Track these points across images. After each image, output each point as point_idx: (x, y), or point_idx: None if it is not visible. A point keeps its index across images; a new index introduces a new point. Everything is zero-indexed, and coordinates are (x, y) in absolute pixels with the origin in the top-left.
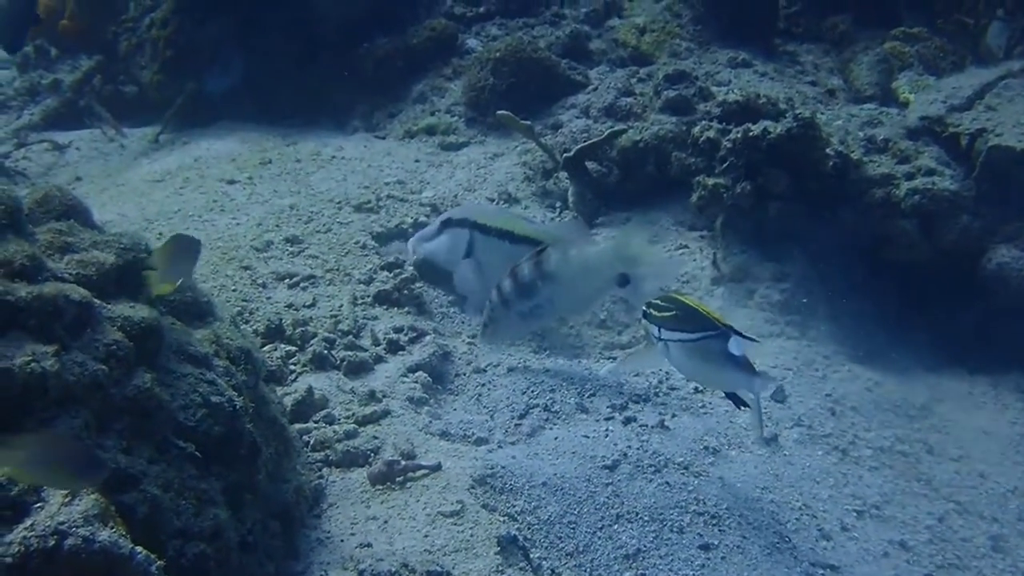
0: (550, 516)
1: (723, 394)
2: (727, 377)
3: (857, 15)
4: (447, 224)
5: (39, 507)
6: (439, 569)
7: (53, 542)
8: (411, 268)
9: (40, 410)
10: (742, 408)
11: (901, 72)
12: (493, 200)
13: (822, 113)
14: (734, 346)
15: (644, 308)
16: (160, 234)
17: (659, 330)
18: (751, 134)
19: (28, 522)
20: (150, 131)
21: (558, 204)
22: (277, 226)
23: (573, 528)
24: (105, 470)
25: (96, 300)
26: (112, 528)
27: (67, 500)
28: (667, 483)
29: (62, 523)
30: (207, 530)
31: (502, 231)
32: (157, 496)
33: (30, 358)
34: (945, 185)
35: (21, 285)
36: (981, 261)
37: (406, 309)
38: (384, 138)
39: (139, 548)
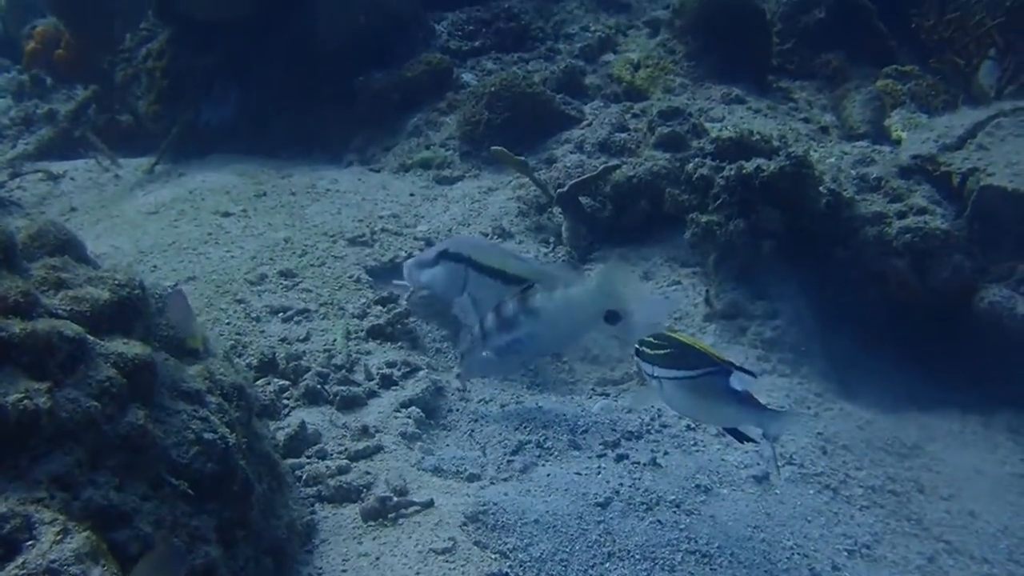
0: (542, 553)
1: (722, 430)
2: (730, 414)
3: (850, 52)
4: (443, 256)
5: (31, 545)
6: None
7: None
8: (404, 303)
9: (33, 447)
10: (744, 443)
11: (894, 110)
12: (487, 235)
13: (815, 150)
14: (736, 382)
15: (636, 346)
16: (155, 266)
17: (653, 368)
18: (745, 172)
19: (20, 560)
20: (145, 161)
21: (552, 239)
22: (271, 259)
23: (565, 566)
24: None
25: (90, 336)
26: (104, 566)
27: (59, 538)
28: (659, 521)
29: (54, 561)
30: (199, 568)
31: (495, 270)
32: (149, 534)
33: (23, 395)
34: (937, 224)
35: (15, 321)
36: (973, 300)
37: (399, 344)
38: (379, 171)
39: None
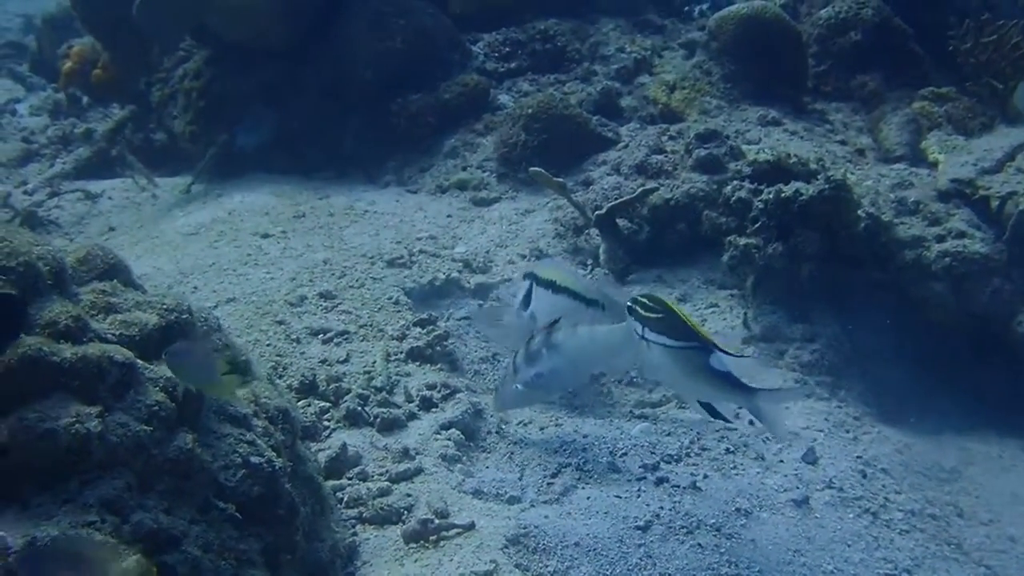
0: None
1: (698, 404)
2: (706, 389)
3: (886, 75)
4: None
5: None
6: None
7: None
8: (443, 325)
9: (84, 471)
10: (716, 419)
11: (930, 132)
12: (524, 256)
13: (852, 173)
14: (716, 361)
15: (630, 304)
16: (195, 287)
17: (643, 329)
18: (783, 195)
19: None
20: (181, 181)
21: (589, 261)
22: (311, 281)
23: None
24: None
25: (139, 361)
26: None
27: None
28: (699, 545)
29: None
30: None
31: (549, 281)
32: (198, 557)
33: (74, 419)
34: (976, 248)
35: (66, 346)
36: (1012, 324)
37: (439, 366)
38: (416, 192)
39: None
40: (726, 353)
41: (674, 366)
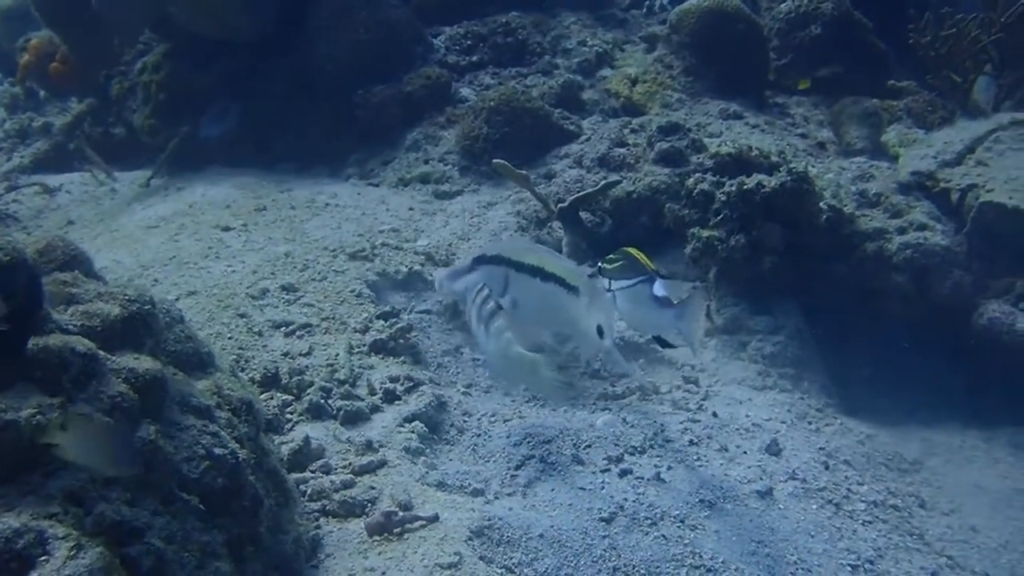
0: (547, 569)
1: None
2: (652, 318)
3: (846, 68)
4: (480, 261)
5: (44, 560)
6: None
7: None
8: (406, 318)
9: (46, 463)
10: (665, 348)
11: (890, 125)
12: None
13: (813, 166)
14: (658, 288)
15: (600, 263)
16: (156, 280)
17: (609, 283)
18: (746, 187)
19: (34, 575)
20: (141, 175)
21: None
22: (273, 273)
23: None
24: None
25: (101, 352)
26: None
27: (73, 553)
28: (663, 536)
29: None
30: None
31: (534, 268)
32: (161, 549)
33: (36, 410)
34: (937, 240)
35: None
36: (973, 316)
37: (402, 359)
38: (378, 185)
39: None
40: (666, 279)
41: (629, 303)
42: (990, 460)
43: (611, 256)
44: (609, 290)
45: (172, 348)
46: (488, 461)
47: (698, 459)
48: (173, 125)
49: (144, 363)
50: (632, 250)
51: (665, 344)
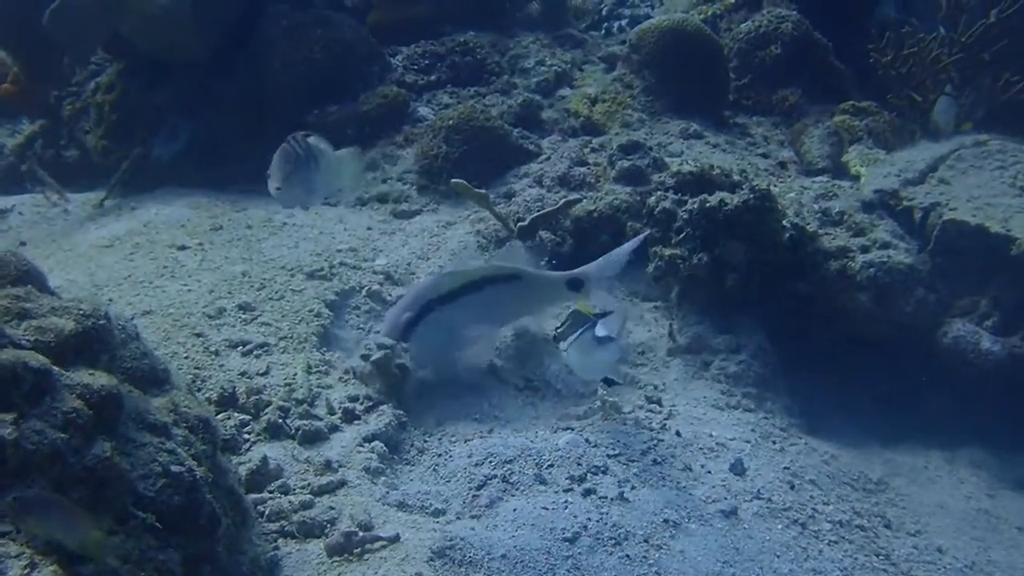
0: None
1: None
2: (601, 356)
3: (806, 88)
4: (414, 323)
5: None
6: None
7: None
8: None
9: None
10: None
11: (851, 145)
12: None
13: (775, 185)
14: (601, 329)
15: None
16: (110, 300)
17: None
18: (708, 205)
19: None
20: (94, 196)
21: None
22: (229, 293)
23: None
24: None
25: (55, 367)
26: None
27: (26, 572)
28: (628, 556)
29: None
30: None
31: (465, 286)
32: (116, 569)
33: None
34: (900, 258)
35: None
36: (936, 335)
37: None
38: (335, 205)
39: None
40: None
41: (579, 354)
42: (954, 480)
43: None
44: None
45: (128, 364)
46: (449, 481)
47: (662, 479)
48: (126, 145)
49: (99, 379)
50: (580, 305)
51: (611, 383)
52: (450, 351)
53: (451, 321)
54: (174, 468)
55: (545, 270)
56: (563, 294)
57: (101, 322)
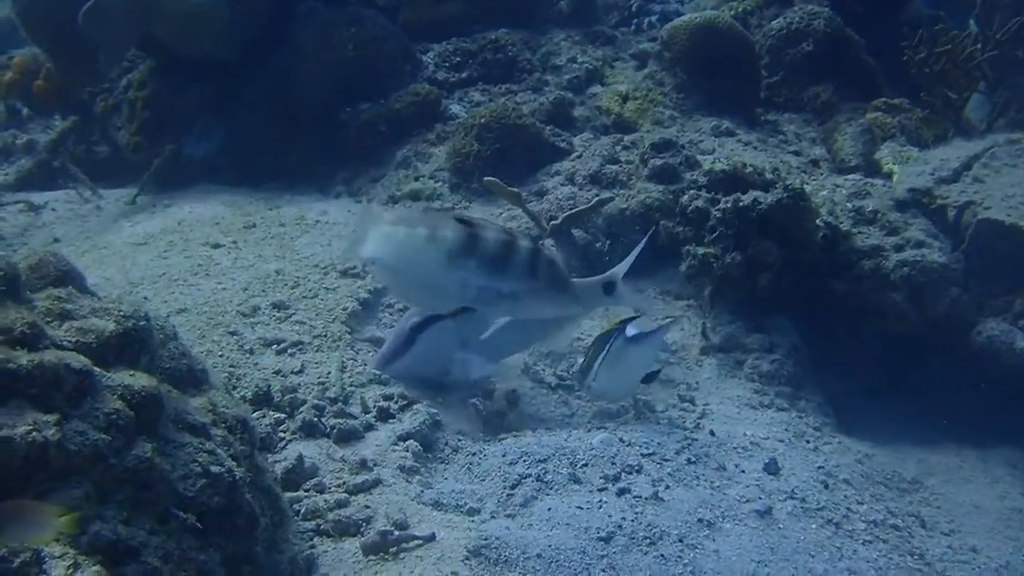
0: None
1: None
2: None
3: (838, 86)
4: (418, 330)
5: None
6: None
7: None
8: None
9: (40, 481)
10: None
11: (884, 143)
12: None
13: (807, 184)
14: (630, 330)
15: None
16: (145, 298)
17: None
18: (741, 204)
19: None
20: (126, 193)
21: None
22: (263, 291)
23: None
24: None
25: (96, 368)
26: None
27: (70, 573)
28: (663, 556)
29: None
30: None
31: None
32: (157, 568)
33: (31, 427)
34: (934, 257)
35: (22, 353)
36: (970, 334)
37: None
38: (368, 203)
39: None
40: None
41: (617, 366)
42: (988, 480)
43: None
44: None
45: (167, 365)
46: (484, 480)
47: (696, 478)
48: (159, 142)
49: (140, 380)
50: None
51: (651, 378)
52: (453, 360)
53: (465, 329)
54: (214, 468)
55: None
56: (600, 298)
57: (141, 323)
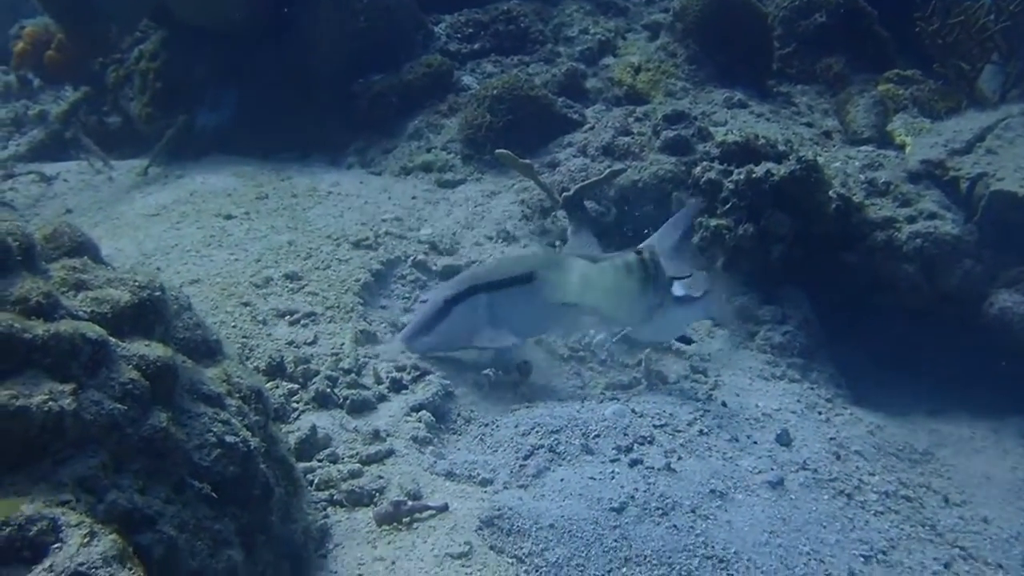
0: (558, 559)
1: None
2: (681, 318)
3: (850, 57)
4: (455, 301)
5: (57, 548)
6: None
7: None
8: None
9: (57, 450)
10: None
11: (896, 114)
12: (491, 238)
13: (820, 155)
14: (676, 289)
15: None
16: (158, 269)
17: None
18: (754, 176)
19: (47, 563)
20: (137, 164)
21: (557, 243)
22: (276, 262)
23: (581, 571)
24: None
25: (112, 339)
26: (131, 570)
27: (86, 541)
28: (675, 526)
29: (82, 564)
30: (222, 571)
31: (521, 276)
32: (173, 537)
33: (47, 397)
34: (947, 229)
35: (38, 323)
36: (983, 306)
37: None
38: (380, 174)
39: None
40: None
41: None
42: (999, 451)
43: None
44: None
45: (181, 335)
46: (496, 451)
47: (708, 449)
48: (170, 113)
49: (155, 350)
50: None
51: (689, 341)
52: (480, 337)
53: (497, 308)
54: (228, 438)
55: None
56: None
57: (156, 294)
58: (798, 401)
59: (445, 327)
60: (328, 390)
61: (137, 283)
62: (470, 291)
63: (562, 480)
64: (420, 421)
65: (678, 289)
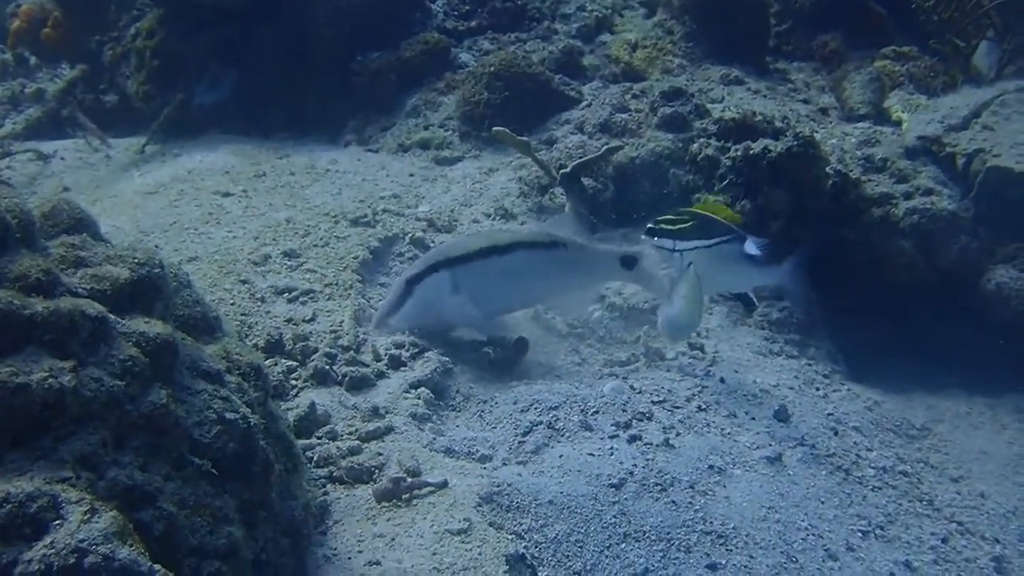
0: (557, 534)
1: (732, 296)
2: (748, 276)
3: (847, 34)
4: (415, 280)
5: (58, 524)
6: None
7: (73, 560)
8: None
9: (58, 427)
10: (749, 307)
11: (892, 91)
12: (489, 215)
13: (817, 132)
14: (751, 247)
15: (651, 225)
16: (156, 246)
17: (674, 242)
18: (752, 152)
19: (48, 539)
20: (135, 142)
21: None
22: (274, 240)
23: (580, 547)
24: None
25: (111, 316)
26: (131, 546)
27: (86, 517)
28: (673, 502)
29: (82, 541)
30: (222, 548)
31: (485, 249)
32: (173, 513)
33: (47, 373)
34: (943, 205)
35: (37, 300)
36: (980, 282)
37: None
38: (377, 151)
39: (157, 566)
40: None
41: (713, 263)
42: (996, 426)
43: (669, 216)
44: (675, 251)
45: (181, 312)
46: (495, 427)
47: (706, 425)
48: (167, 91)
49: (155, 327)
50: (698, 208)
51: (749, 302)
52: (447, 314)
53: (461, 283)
54: (228, 415)
55: (597, 243)
56: (615, 271)
57: (156, 270)
58: (796, 377)
59: (410, 307)
60: (327, 367)
61: (136, 260)
62: (431, 269)
63: (561, 456)
64: (419, 398)
65: (751, 248)
